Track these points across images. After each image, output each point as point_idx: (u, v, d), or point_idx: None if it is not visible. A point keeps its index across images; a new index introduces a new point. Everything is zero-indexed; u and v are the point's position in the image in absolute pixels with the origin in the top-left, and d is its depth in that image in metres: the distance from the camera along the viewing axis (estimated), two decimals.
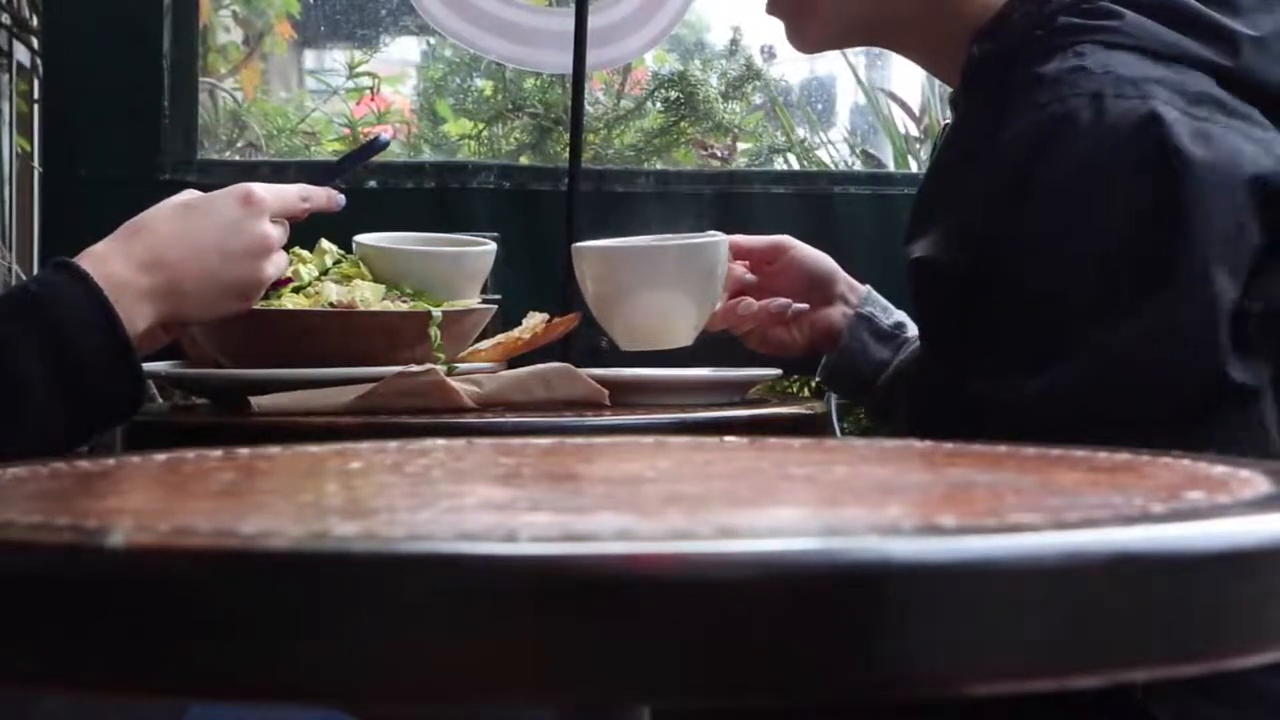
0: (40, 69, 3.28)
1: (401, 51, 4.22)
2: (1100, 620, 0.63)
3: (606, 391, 1.70)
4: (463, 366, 1.73)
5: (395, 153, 3.40)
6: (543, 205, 2.48)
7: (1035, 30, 1.42)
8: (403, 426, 1.56)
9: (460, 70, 3.76)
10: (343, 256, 1.79)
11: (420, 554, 0.62)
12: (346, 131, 3.49)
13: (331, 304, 1.70)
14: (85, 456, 1.07)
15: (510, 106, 3.38)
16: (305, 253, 1.78)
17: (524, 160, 3.34)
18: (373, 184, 2.47)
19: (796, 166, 3.47)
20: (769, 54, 3.50)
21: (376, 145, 1.71)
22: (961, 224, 1.38)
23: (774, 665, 0.60)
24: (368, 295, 1.72)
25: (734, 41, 3.55)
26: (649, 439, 1.06)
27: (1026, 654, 0.63)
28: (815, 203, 2.55)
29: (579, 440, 1.08)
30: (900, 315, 1.77)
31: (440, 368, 1.66)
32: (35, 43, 3.36)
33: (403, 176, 2.55)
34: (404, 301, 1.74)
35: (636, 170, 2.84)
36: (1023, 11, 1.45)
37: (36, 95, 3.48)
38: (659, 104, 3.39)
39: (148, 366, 1.46)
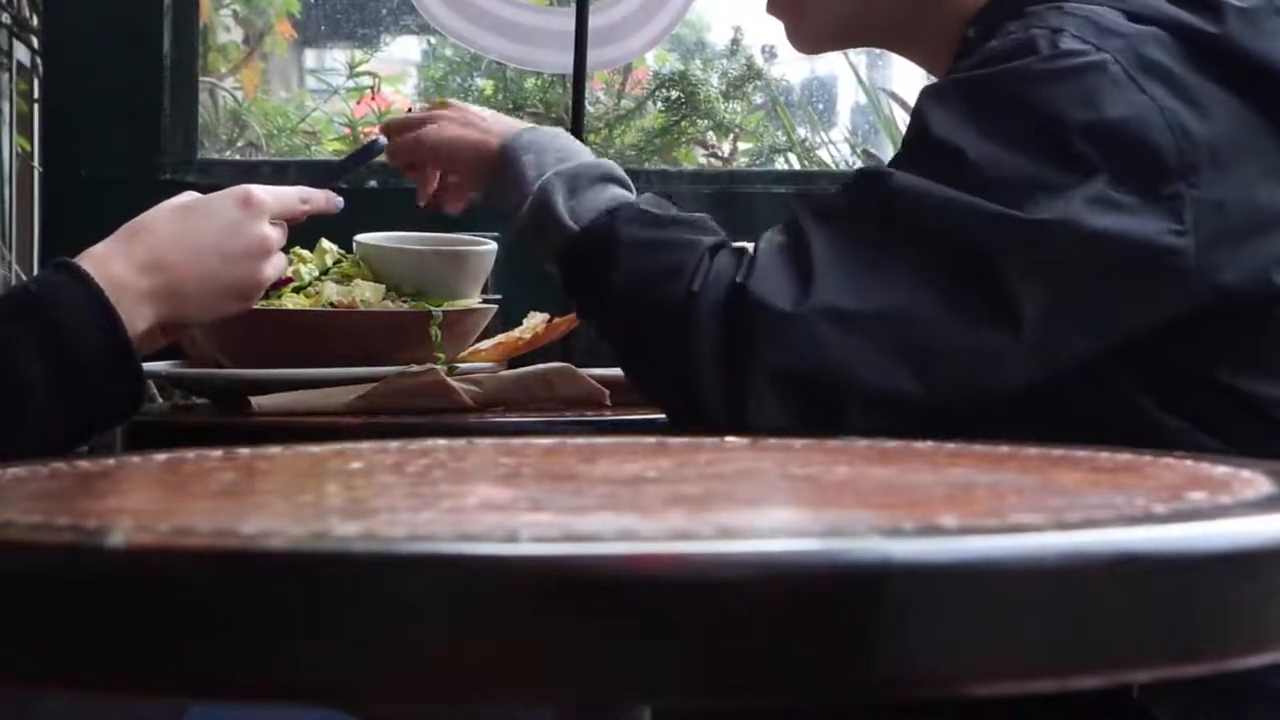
0: (40, 69, 3.28)
1: (402, 51, 4.22)
2: (1101, 621, 0.63)
3: (607, 391, 1.70)
4: (463, 366, 1.73)
5: None
6: None
7: (1027, 6, 1.44)
8: (403, 426, 1.56)
9: (461, 70, 3.77)
10: (343, 256, 1.79)
11: (421, 554, 0.62)
12: (347, 131, 3.49)
13: (331, 304, 1.70)
14: (85, 456, 1.07)
15: (511, 106, 3.38)
16: (305, 253, 1.78)
17: None
18: (373, 184, 2.47)
19: (797, 166, 3.47)
20: (770, 53, 3.50)
21: (375, 148, 1.71)
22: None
23: (774, 665, 0.60)
24: (368, 295, 1.72)
25: (735, 41, 3.56)
26: (650, 439, 1.06)
27: (1027, 654, 0.63)
28: None
29: (580, 440, 1.08)
30: None
31: (440, 368, 1.66)
32: (35, 43, 3.35)
33: (403, 176, 2.54)
34: (404, 301, 1.74)
35: (637, 170, 2.83)
36: None
37: (36, 95, 3.48)
38: (660, 104, 3.39)
39: (148, 366, 1.46)
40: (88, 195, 2.41)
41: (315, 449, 1.06)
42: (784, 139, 3.51)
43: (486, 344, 1.83)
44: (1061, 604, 0.63)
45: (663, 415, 1.44)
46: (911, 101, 1.50)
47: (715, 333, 1.30)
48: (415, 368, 1.65)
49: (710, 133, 3.41)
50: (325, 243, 1.80)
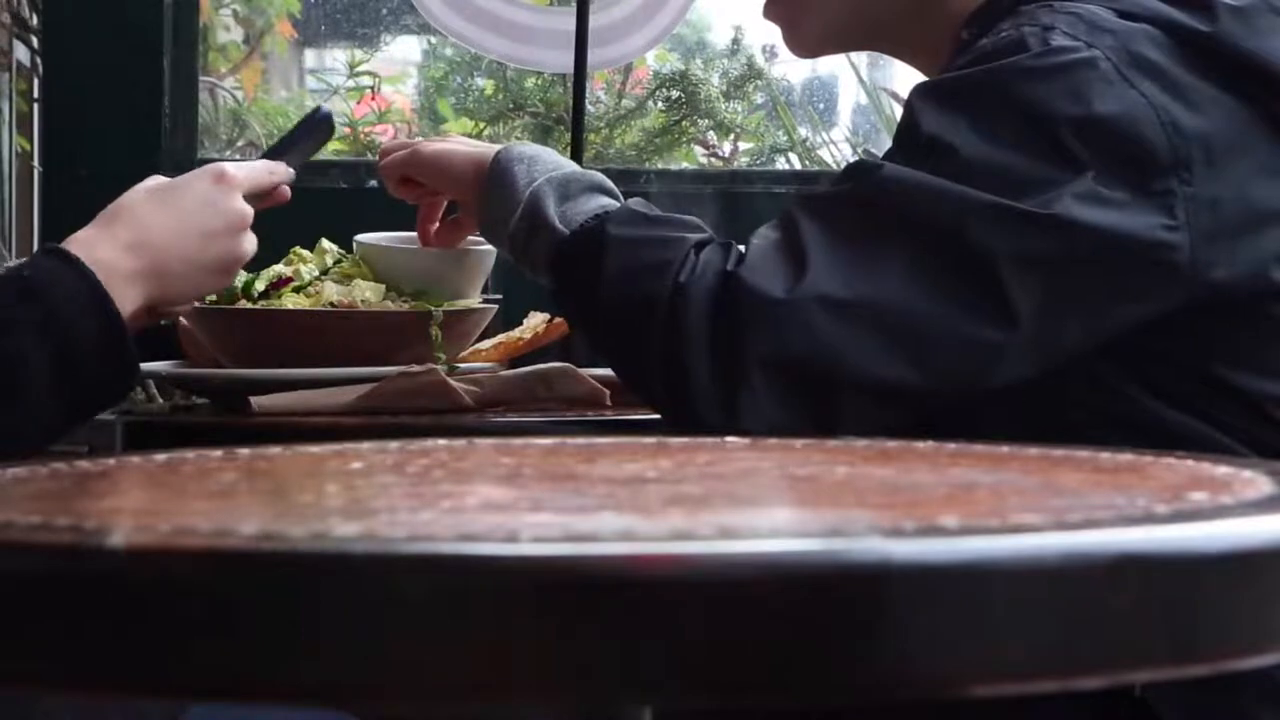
0: (40, 68, 3.28)
1: (402, 51, 4.22)
2: (1103, 621, 0.63)
3: (607, 391, 1.70)
4: (463, 366, 1.73)
5: None
6: None
7: (1019, 5, 1.44)
8: (403, 426, 1.56)
9: (461, 69, 3.76)
10: (343, 256, 1.78)
11: (421, 554, 0.62)
12: (348, 131, 3.48)
13: (331, 304, 1.70)
14: (85, 456, 1.07)
15: (511, 106, 3.38)
16: (305, 252, 1.78)
17: None
18: (373, 184, 2.47)
19: (798, 166, 3.47)
20: (770, 53, 3.49)
21: (319, 117, 1.74)
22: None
23: (774, 665, 0.60)
24: (368, 295, 1.72)
25: (735, 41, 3.55)
26: (650, 439, 1.06)
27: (1028, 655, 0.63)
28: None
29: (580, 440, 1.08)
30: None
31: (441, 368, 1.66)
32: (35, 42, 3.35)
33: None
34: (404, 301, 1.73)
35: (638, 170, 2.84)
36: None
37: (36, 95, 3.48)
38: (660, 103, 3.38)
39: (149, 367, 1.46)
40: (88, 194, 2.39)
41: (315, 449, 1.06)
42: (785, 139, 3.51)
43: (486, 344, 1.82)
44: (1062, 604, 0.63)
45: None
46: None
47: (706, 322, 1.31)
48: (415, 368, 1.65)
49: (711, 133, 3.41)
50: (325, 243, 1.80)
